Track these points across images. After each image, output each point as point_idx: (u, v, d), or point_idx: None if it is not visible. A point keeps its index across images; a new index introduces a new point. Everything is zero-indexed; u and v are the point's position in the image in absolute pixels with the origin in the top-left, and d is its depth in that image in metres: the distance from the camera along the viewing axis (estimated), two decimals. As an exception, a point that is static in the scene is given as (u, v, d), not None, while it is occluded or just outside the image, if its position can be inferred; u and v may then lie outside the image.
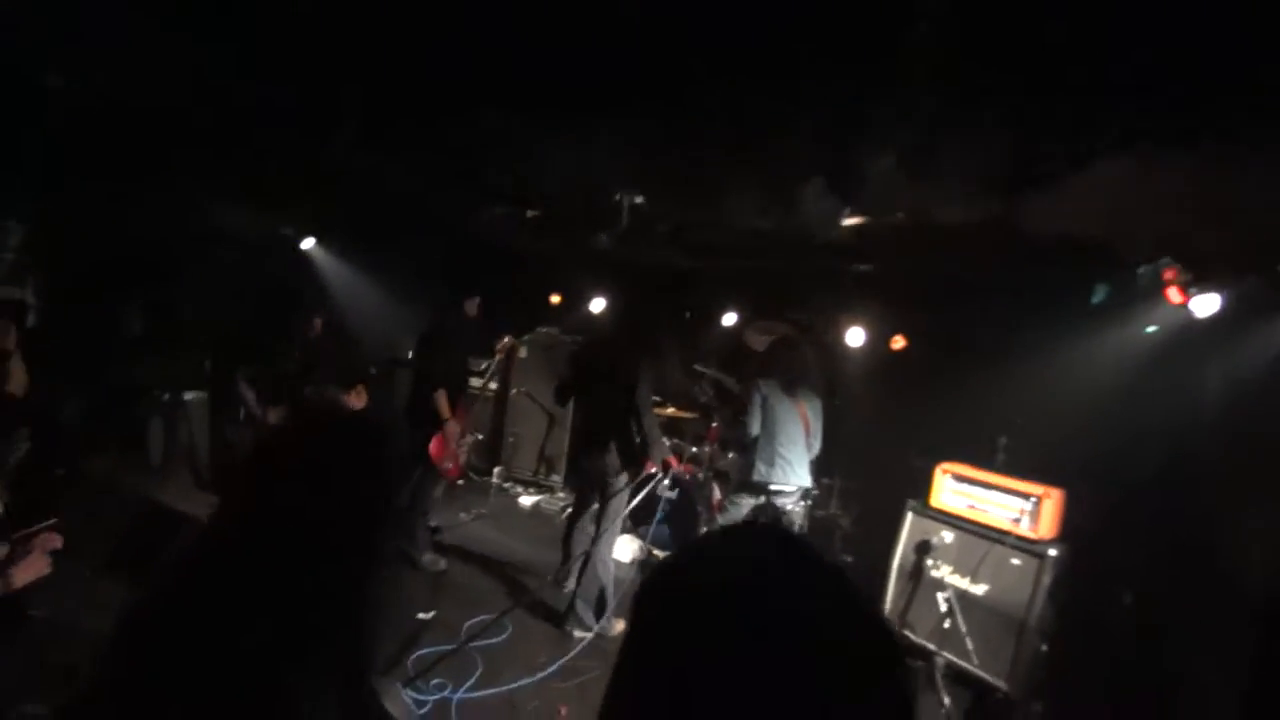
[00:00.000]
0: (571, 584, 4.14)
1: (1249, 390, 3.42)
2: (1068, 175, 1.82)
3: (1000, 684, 3.74)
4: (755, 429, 4.44)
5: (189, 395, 5.00)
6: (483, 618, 3.71)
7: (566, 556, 4.21)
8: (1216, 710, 3.15)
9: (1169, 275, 2.80)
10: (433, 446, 4.32)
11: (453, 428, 4.36)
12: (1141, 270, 3.38)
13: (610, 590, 3.98)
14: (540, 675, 3.35)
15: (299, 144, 3.34)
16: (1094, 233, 2.62)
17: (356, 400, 4.22)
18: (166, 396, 4.88)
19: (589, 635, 3.81)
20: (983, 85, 1.56)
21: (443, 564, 4.50)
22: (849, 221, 2.91)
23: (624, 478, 4.03)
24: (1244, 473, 3.34)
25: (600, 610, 3.95)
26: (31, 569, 1.58)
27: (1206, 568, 3.52)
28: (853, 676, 0.51)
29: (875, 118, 1.70)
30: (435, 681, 3.07)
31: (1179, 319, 3.41)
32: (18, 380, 2.93)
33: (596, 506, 4.12)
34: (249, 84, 2.63)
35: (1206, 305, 2.85)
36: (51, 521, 1.63)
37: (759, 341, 5.76)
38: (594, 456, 4.01)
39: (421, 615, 3.78)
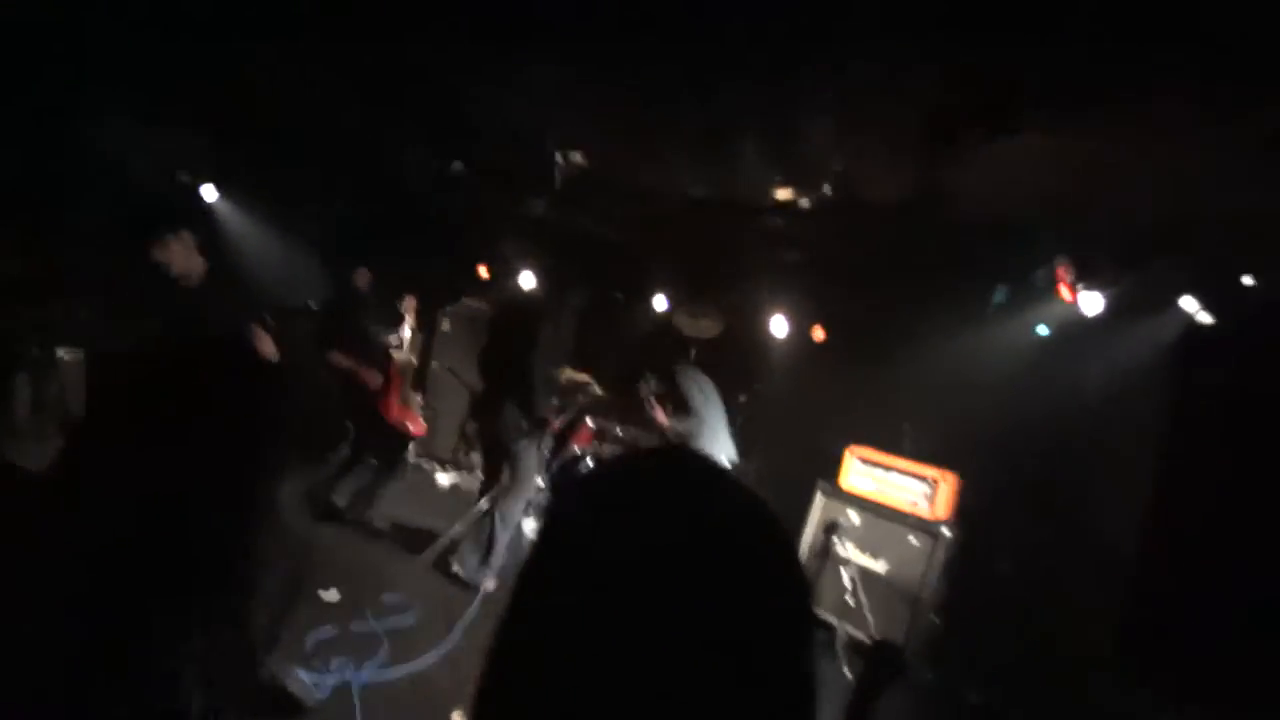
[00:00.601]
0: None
1: (1124, 382, 3.78)
2: (984, 146, 1.91)
3: (895, 653, 3.98)
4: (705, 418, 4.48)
5: (64, 353, 4.47)
6: (389, 595, 3.56)
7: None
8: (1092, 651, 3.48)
9: (1061, 273, 3.03)
10: (390, 412, 4.31)
11: (371, 374, 4.28)
12: (1038, 272, 3.66)
13: (501, 546, 3.98)
14: (445, 648, 3.25)
15: (205, 56, 3.02)
16: (1003, 204, 2.76)
17: (264, 347, 3.91)
18: (36, 351, 4.34)
19: (481, 593, 3.79)
20: (909, 52, 1.60)
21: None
22: (780, 193, 2.96)
23: (525, 440, 4.08)
24: (1114, 456, 3.70)
25: (484, 560, 3.95)
26: None
27: (1078, 539, 3.89)
28: (759, 581, 0.52)
29: (809, 78, 1.72)
30: (336, 661, 2.91)
31: (1068, 317, 3.72)
32: None
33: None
34: None
35: (1092, 304, 3.11)
36: None
37: (690, 326, 5.83)
38: (490, 420, 4.09)
39: (322, 594, 3.58)
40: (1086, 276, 2.97)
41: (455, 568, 3.94)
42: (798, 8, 1.55)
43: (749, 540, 0.55)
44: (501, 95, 2.59)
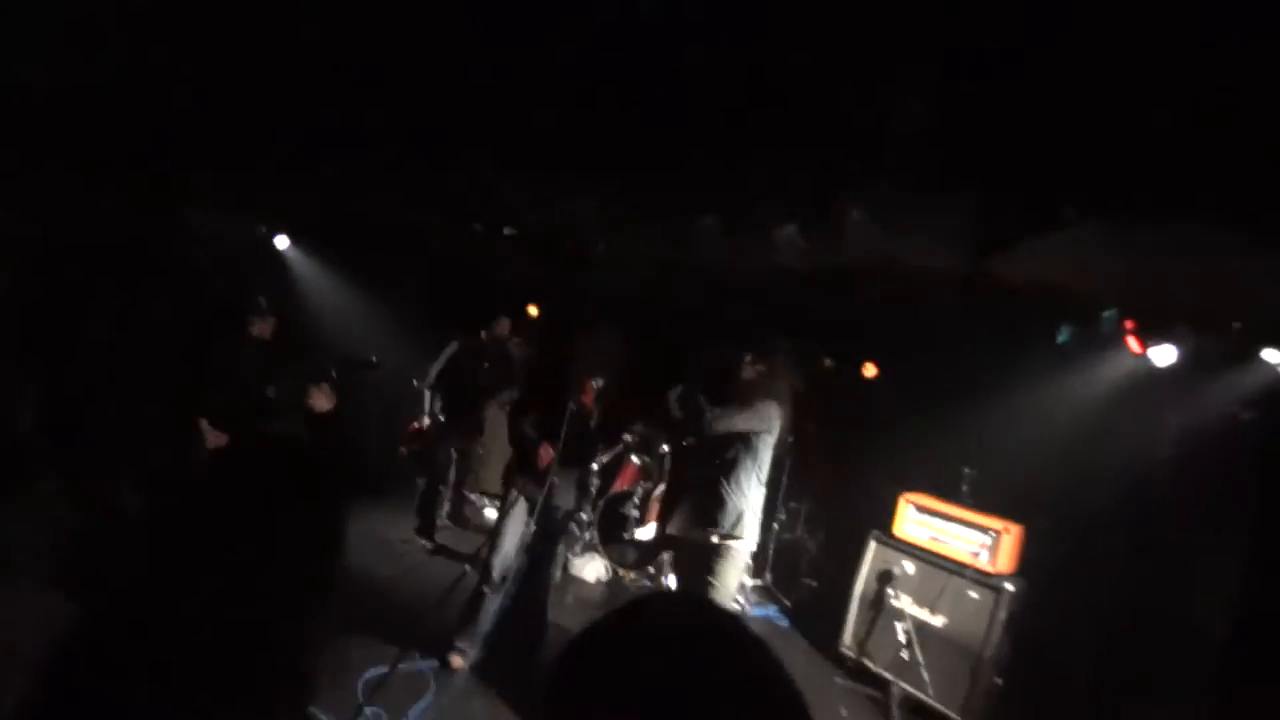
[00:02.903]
0: None
1: (1201, 438, 3.53)
2: (1031, 238, 1.86)
3: (955, 716, 3.78)
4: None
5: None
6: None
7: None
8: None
9: (1129, 325, 2.88)
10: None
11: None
12: (1105, 315, 3.48)
13: (483, 614, 3.51)
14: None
15: (288, 147, 3.27)
16: (1056, 286, 2.69)
17: (322, 401, 4.11)
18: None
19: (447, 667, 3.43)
20: (953, 161, 1.59)
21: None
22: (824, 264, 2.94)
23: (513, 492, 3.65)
24: (1193, 517, 3.44)
25: (460, 630, 3.50)
26: None
27: (1158, 608, 3.61)
28: None
29: (848, 176, 1.73)
30: (372, 711, 2.92)
31: (1140, 364, 3.51)
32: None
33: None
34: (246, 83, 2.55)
35: (1164, 356, 2.94)
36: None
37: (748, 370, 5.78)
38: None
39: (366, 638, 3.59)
40: (1155, 330, 2.81)
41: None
42: (834, 146, 1.57)
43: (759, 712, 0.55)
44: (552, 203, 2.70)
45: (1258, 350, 2.85)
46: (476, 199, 3.48)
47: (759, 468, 3.25)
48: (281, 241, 5.63)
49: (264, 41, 1.93)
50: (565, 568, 5.42)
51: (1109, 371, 3.83)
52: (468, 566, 3.60)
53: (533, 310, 6.81)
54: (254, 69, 2.19)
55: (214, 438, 3.84)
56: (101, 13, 1.95)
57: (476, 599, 3.50)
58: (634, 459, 5.89)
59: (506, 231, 3.93)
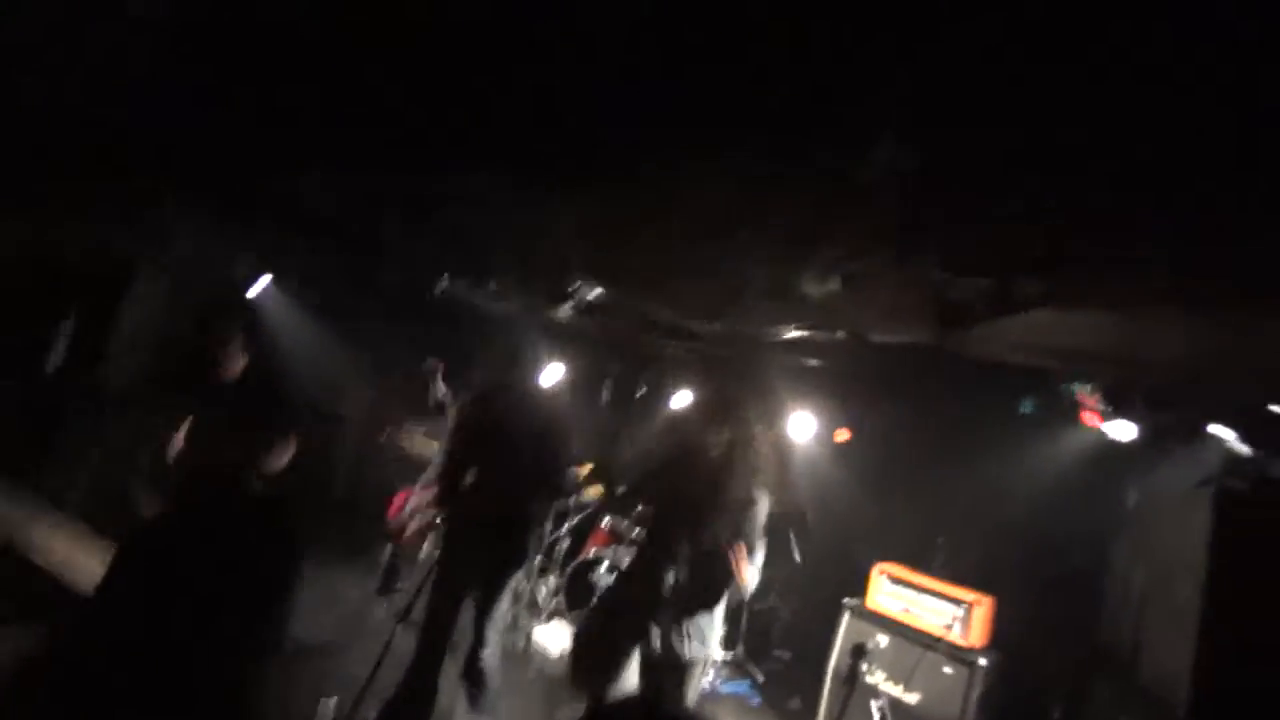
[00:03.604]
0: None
1: (1163, 509, 3.60)
2: (991, 317, 1.94)
3: (932, 801, 3.64)
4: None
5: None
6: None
7: None
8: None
9: (1085, 400, 2.97)
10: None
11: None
12: (1064, 387, 3.59)
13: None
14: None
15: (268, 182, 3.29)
16: (1017, 362, 2.79)
17: (280, 454, 3.94)
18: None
19: None
20: (918, 233, 1.67)
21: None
22: (792, 334, 3.01)
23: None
24: (1155, 590, 3.47)
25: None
26: None
27: (1125, 679, 3.59)
28: None
29: (819, 247, 1.80)
30: None
31: (1101, 436, 3.60)
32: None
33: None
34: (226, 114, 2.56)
35: (1122, 431, 3.03)
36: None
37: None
38: None
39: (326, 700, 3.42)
40: (1114, 406, 2.90)
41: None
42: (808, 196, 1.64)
43: None
44: (524, 232, 2.75)
45: (1206, 427, 2.96)
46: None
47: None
48: (260, 284, 5.58)
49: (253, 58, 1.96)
50: (528, 637, 5.20)
51: (1073, 442, 3.93)
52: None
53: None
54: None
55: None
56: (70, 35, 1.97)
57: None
58: (606, 520, 5.77)
59: (493, 286, 3.96)
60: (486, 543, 3.13)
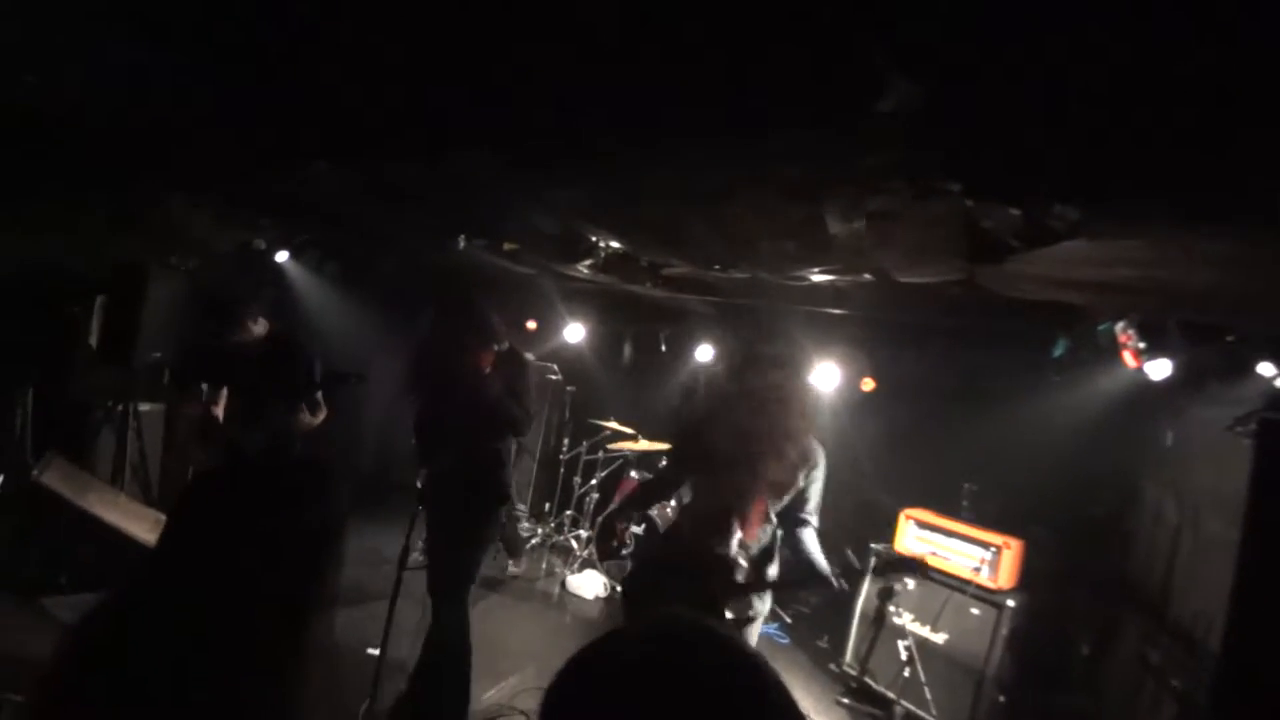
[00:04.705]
0: None
1: (1197, 447, 3.53)
2: (1023, 248, 1.87)
3: (958, 735, 3.74)
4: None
5: (145, 407, 4.85)
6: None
7: None
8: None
9: (1123, 339, 2.88)
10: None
11: None
12: (1101, 328, 3.49)
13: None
14: None
15: (274, 167, 3.30)
16: (1049, 300, 2.70)
17: (312, 416, 4.07)
18: (119, 408, 4.71)
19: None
20: (941, 167, 1.60)
21: None
22: (817, 278, 2.95)
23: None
24: (1186, 527, 3.44)
25: None
26: None
27: (1154, 617, 3.59)
28: None
29: (842, 186, 1.74)
30: None
31: (1136, 376, 3.51)
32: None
33: None
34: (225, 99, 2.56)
35: (1159, 370, 2.94)
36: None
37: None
38: None
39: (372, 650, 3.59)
40: (1151, 343, 2.81)
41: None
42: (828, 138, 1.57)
43: None
44: (546, 202, 2.71)
45: (1254, 363, 2.86)
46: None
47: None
48: (280, 255, 5.69)
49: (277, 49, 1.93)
50: (563, 584, 5.38)
51: (1105, 384, 3.84)
52: None
53: (530, 325, 6.84)
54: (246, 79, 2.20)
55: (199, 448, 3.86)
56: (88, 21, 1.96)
57: None
58: (634, 474, 5.87)
59: (507, 247, 3.95)
60: None
